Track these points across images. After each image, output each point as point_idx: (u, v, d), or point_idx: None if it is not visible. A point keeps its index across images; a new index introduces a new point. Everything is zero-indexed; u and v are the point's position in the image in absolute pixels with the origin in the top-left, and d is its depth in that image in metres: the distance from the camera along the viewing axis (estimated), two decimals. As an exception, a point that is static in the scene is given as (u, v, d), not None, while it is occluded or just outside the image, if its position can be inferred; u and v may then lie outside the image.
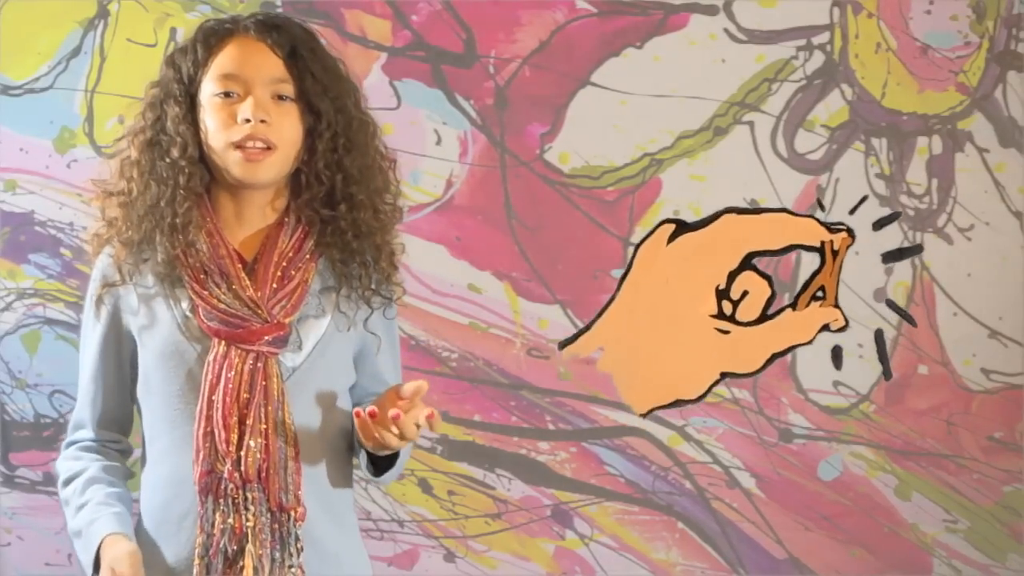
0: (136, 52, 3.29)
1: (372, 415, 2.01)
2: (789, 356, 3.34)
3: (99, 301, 2.18)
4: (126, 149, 2.17)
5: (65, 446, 2.24)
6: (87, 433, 2.22)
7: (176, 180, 2.11)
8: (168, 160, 2.12)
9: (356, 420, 2.04)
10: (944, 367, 3.35)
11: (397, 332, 2.28)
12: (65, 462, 2.22)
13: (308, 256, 2.15)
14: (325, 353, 2.14)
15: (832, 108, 3.32)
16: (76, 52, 3.29)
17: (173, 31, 3.29)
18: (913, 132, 3.32)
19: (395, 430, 2.01)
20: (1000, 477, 3.36)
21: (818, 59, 3.32)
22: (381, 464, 2.18)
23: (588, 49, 3.31)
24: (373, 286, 2.18)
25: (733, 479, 3.36)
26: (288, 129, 2.11)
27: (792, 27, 3.31)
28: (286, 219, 2.16)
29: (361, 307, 2.18)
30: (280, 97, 2.11)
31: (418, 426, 2.03)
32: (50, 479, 3.32)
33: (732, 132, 3.32)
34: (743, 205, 3.33)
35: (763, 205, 3.33)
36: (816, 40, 3.32)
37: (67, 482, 2.19)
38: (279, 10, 3.26)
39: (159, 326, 2.12)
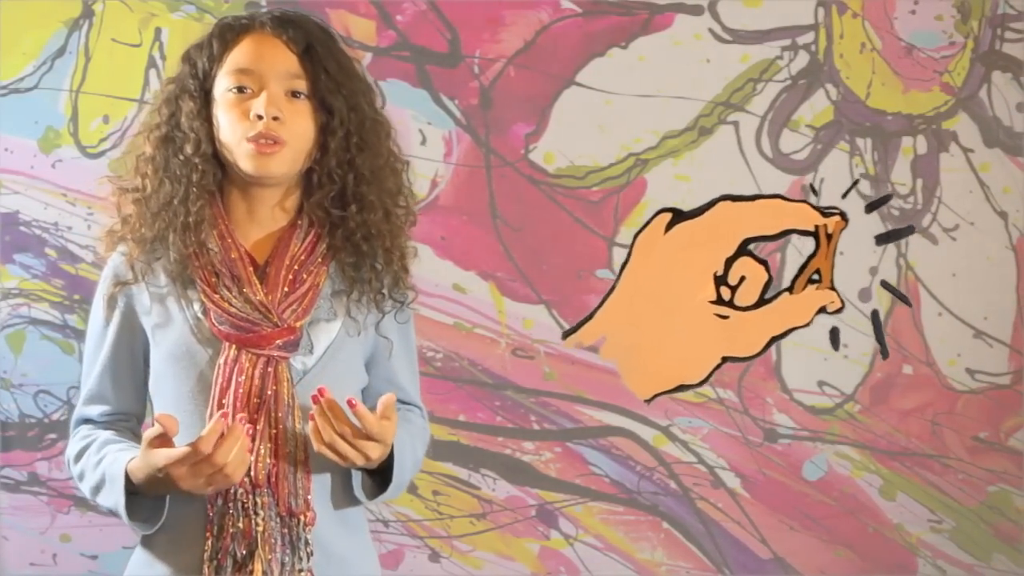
0: (121, 52, 3.36)
1: (314, 400, 2.04)
2: (774, 356, 3.41)
3: (111, 299, 2.20)
4: (142, 145, 2.20)
5: (73, 433, 2.25)
6: (96, 417, 2.24)
7: (190, 177, 2.14)
8: (182, 157, 2.14)
9: (310, 424, 2.07)
10: (929, 367, 3.43)
11: (413, 336, 2.31)
12: (74, 442, 2.23)
13: (320, 260, 2.18)
14: (336, 357, 2.17)
15: (817, 108, 3.40)
16: (61, 52, 3.36)
17: (158, 31, 3.36)
18: (898, 132, 3.41)
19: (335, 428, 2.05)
20: (985, 477, 3.44)
21: (803, 59, 3.40)
22: (376, 484, 2.21)
23: (573, 49, 3.39)
24: (384, 290, 2.21)
25: (718, 479, 3.44)
26: (301, 126, 2.14)
27: (777, 27, 3.40)
28: (299, 221, 2.18)
29: (372, 311, 2.21)
30: (294, 94, 2.14)
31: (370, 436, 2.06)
32: (35, 479, 3.38)
33: (717, 132, 3.41)
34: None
35: (748, 205, 3.41)
36: (801, 40, 3.40)
37: (78, 456, 2.20)
38: (263, 9, 3.33)
39: (171, 327, 2.16)
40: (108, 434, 2.20)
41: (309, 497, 2.12)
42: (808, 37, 3.40)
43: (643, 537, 3.45)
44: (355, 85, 2.19)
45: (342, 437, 2.05)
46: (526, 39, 3.39)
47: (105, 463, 2.13)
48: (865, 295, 3.42)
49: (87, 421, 2.25)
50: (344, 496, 2.19)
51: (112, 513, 2.12)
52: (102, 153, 3.36)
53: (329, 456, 2.07)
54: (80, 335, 3.34)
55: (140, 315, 2.19)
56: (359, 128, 2.18)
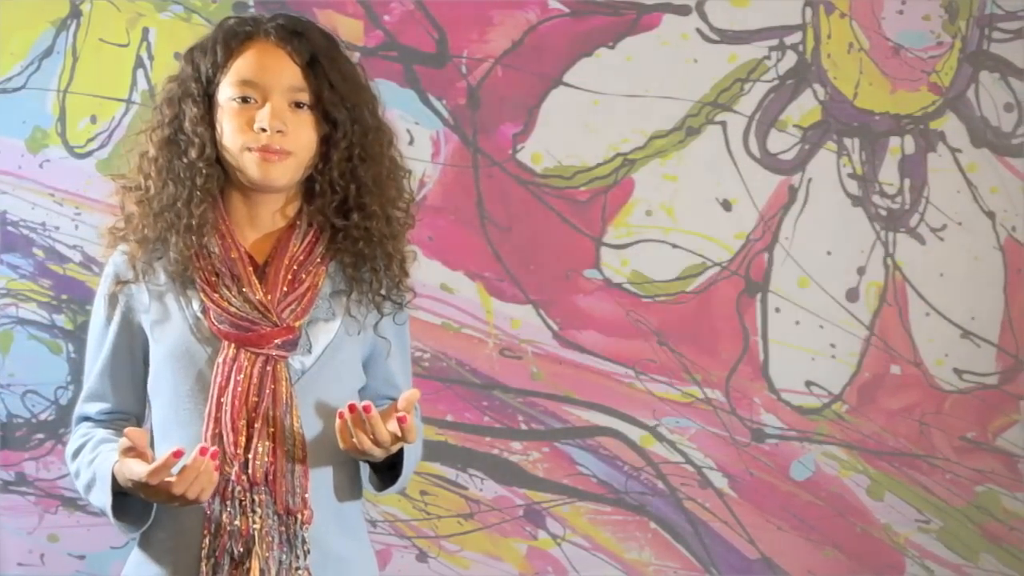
0: (108, 52, 3.41)
1: (352, 408, 2.10)
2: (761, 356, 3.47)
3: (112, 298, 2.24)
4: (144, 144, 2.23)
5: (74, 431, 2.29)
6: (95, 415, 2.28)
7: (193, 181, 2.18)
8: (186, 160, 2.18)
9: (337, 422, 2.11)
10: (917, 367, 3.49)
11: (408, 337, 2.35)
12: (73, 440, 2.27)
13: (319, 260, 2.22)
14: (335, 356, 2.21)
15: (804, 108, 3.47)
16: (48, 52, 3.41)
17: (145, 31, 3.41)
18: (885, 132, 3.47)
19: (370, 435, 2.10)
20: (972, 477, 3.50)
21: (790, 59, 3.46)
22: (384, 477, 2.26)
23: (560, 49, 3.45)
24: (383, 291, 2.24)
25: (705, 479, 3.50)
26: (304, 137, 2.18)
27: (764, 27, 3.47)
28: (298, 223, 2.23)
29: (371, 311, 2.25)
30: (297, 104, 2.18)
31: (398, 436, 2.11)
32: (23, 479, 3.43)
33: (704, 132, 3.47)
34: (716, 205, 3.46)
35: (735, 205, 3.46)
36: (788, 40, 3.46)
37: (75, 454, 2.24)
38: (252, 10, 3.39)
39: (171, 326, 2.20)
40: (105, 433, 2.24)
41: (307, 496, 2.16)
42: (796, 37, 3.46)
43: (631, 537, 3.50)
44: (359, 96, 2.23)
45: (376, 442, 2.11)
46: (514, 39, 3.45)
47: (96, 463, 2.18)
48: (852, 295, 3.48)
49: (87, 419, 2.28)
50: (342, 495, 2.23)
51: (103, 513, 2.17)
52: (89, 153, 3.42)
53: (353, 454, 2.14)
54: (68, 335, 3.40)
55: (139, 313, 2.22)
56: (361, 139, 2.21)
